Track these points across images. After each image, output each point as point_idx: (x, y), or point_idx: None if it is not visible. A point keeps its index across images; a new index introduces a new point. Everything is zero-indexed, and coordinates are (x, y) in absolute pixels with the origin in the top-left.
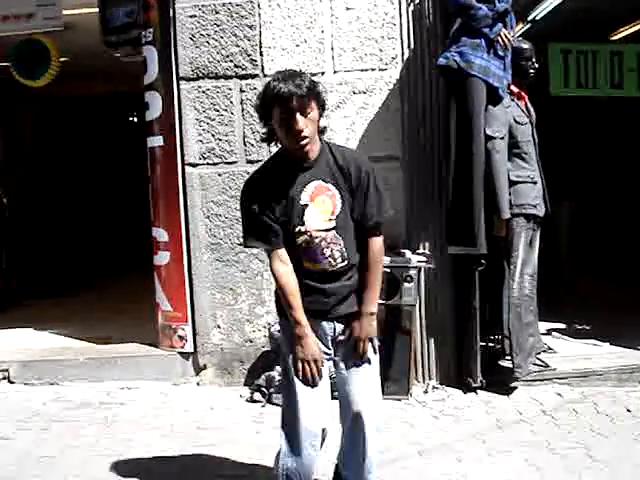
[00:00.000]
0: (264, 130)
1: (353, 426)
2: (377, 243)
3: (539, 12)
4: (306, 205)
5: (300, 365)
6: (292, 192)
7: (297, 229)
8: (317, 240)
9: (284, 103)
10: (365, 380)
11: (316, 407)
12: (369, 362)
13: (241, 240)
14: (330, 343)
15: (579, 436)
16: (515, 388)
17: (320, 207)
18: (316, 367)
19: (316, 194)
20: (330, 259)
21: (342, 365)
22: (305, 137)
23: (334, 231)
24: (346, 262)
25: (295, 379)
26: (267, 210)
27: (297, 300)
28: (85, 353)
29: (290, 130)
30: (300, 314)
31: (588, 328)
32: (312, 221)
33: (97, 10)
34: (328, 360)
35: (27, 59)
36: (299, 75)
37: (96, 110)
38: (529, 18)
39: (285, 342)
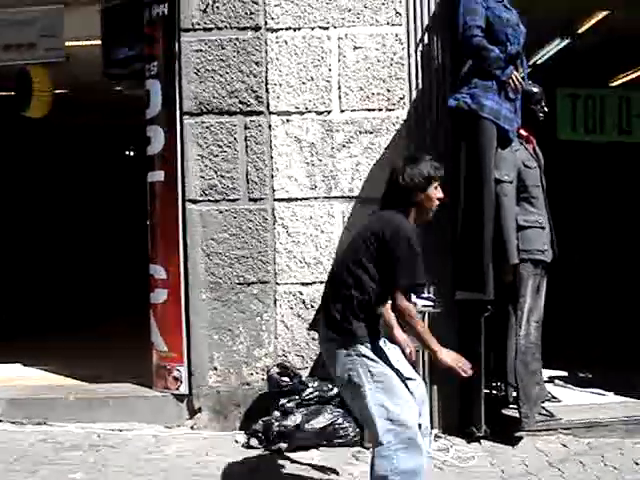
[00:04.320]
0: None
1: None
2: None
3: (541, 56)
4: None
5: (457, 365)
6: None
7: None
8: None
9: (439, 181)
10: None
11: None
12: None
13: (240, 279)
14: None
15: None
16: (520, 438)
17: None
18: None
19: None
20: None
21: None
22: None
23: None
24: None
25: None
26: None
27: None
28: (76, 392)
29: (436, 200)
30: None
31: (590, 376)
32: None
33: (99, 42)
34: None
35: (16, 89)
36: None
37: (93, 143)
38: (529, 62)
39: (378, 362)
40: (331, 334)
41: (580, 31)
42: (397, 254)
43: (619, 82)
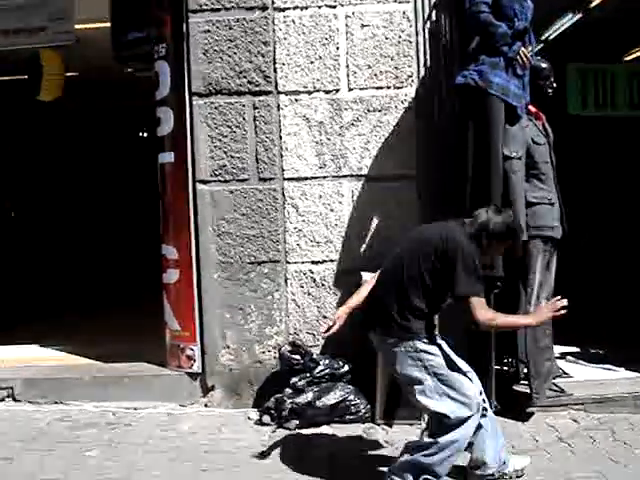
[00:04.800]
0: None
1: None
2: None
3: (553, 32)
4: None
5: (552, 314)
6: None
7: None
8: None
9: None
10: None
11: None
12: None
13: (251, 259)
14: None
15: (596, 464)
16: (531, 414)
17: None
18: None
19: None
20: None
21: None
22: None
23: None
24: None
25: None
26: None
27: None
28: (91, 371)
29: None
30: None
31: (602, 352)
32: None
33: (109, 25)
34: None
35: (28, 73)
36: None
37: (105, 125)
38: (542, 38)
39: (440, 361)
40: (387, 336)
41: (592, 5)
42: (460, 264)
43: (632, 57)
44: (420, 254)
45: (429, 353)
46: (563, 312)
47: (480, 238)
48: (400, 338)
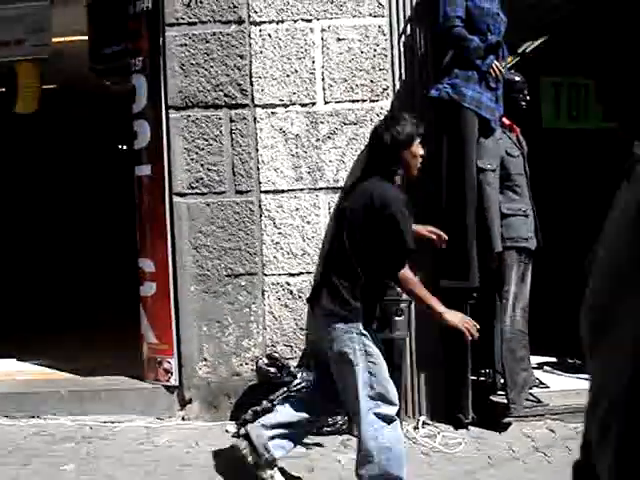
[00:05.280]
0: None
1: None
2: None
3: (528, 45)
4: None
5: (463, 325)
6: None
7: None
8: None
9: (421, 134)
10: None
11: None
12: None
13: (228, 271)
14: None
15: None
16: (508, 424)
17: None
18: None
19: None
20: None
21: None
22: None
23: None
24: None
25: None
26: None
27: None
28: (68, 385)
29: (420, 158)
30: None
31: (579, 362)
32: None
33: (86, 38)
34: None
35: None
36: None
37: (84, 137)
38: (519, 51)
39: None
40: (334, 308)
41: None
42: (389, 224)
43: None
44: (352, 219)
45: (368, 339)
46: (472, 337)
47: (394, 157)
48: (346, 316)
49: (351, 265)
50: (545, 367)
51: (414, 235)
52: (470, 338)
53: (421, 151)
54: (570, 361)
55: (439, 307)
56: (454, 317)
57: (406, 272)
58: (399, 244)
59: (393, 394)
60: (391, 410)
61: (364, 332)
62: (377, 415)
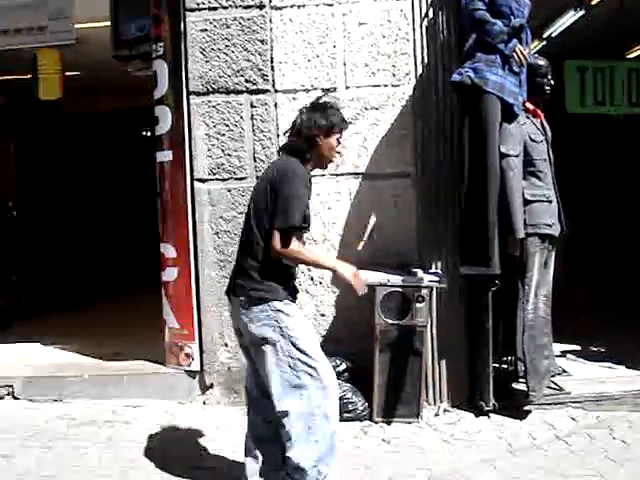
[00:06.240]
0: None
1: None
2: None
3: (555, 29)
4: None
5: (353, 279)
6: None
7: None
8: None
9: (344, 130)
10: None
11: None
12: None
13: None
14: None
15: (593, 463)
16: (529, 412)
17: None
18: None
19: None
20: None
21: None
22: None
23: None
24: None
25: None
26: (308, 201)
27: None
28: (90, 370)
29: (336, 152)
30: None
31: (603, 350)
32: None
33: (108, 24)
34: None
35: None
36: None
37: (107, 124)
38: (545, 35)
39: (294, 317)
40: (246, 290)
41: (594, 2)
42: (279, 195)
43: (635, 54)
44: (260, 196)
45: (286, 314)
46: (358, 293)
47: (309, 142)
48: (259, 296)
49: (258, 243)
50: (568, 355)
51: (307, 215)
52: (360, 293)
53: (339, 147)
54: (593, 349)
55: (331, 263)
56: (346, 270)
57: (288, 246)
58: (285, 216)
59: (325, 371)
60: (316, 384)
61: (280, 309)
62: (300, 393)
